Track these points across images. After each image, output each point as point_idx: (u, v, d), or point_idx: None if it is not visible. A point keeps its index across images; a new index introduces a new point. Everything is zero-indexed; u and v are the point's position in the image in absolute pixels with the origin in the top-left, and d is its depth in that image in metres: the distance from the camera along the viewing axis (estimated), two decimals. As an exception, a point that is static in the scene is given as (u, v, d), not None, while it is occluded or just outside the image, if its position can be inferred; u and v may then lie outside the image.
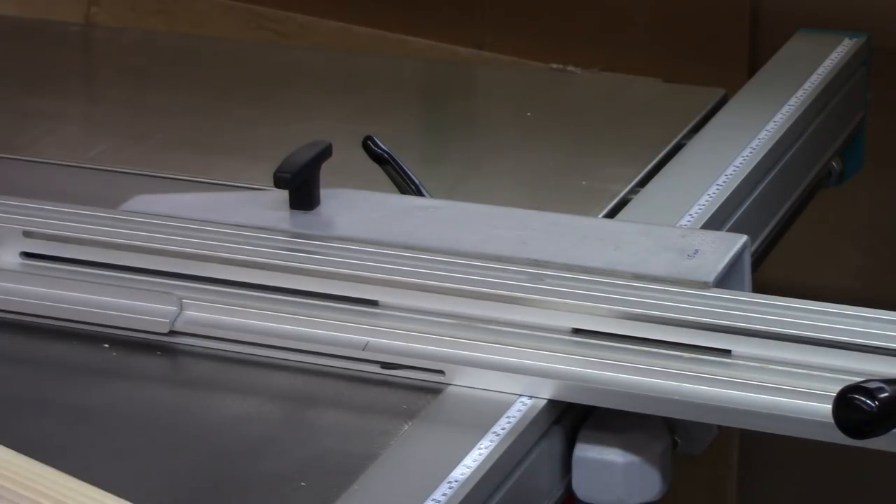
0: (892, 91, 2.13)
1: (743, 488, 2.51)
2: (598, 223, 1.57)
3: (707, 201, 1.61)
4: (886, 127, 2.14)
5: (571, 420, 1.30)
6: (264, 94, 2.00)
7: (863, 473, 2.32)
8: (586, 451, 1.29)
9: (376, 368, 1.34)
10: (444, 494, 1.16)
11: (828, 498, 2.48)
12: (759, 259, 1.60)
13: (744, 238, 1.47)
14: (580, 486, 1.30)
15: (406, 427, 1.26)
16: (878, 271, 2.34)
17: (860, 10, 2.16)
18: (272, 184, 1.51)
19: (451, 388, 1.31)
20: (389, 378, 1.33)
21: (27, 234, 1.46)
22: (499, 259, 1.41)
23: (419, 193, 1.57)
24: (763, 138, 1.74)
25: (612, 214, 1.62)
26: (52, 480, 1.17)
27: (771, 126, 1.77)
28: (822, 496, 2.48)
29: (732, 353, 1.30)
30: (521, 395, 1.29)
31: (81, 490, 1.16)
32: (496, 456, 1.21)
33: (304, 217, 1.50)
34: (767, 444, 2.29)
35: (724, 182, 1.64)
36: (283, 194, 1.51)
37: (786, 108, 1.82)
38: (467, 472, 1.19)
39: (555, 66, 2.20)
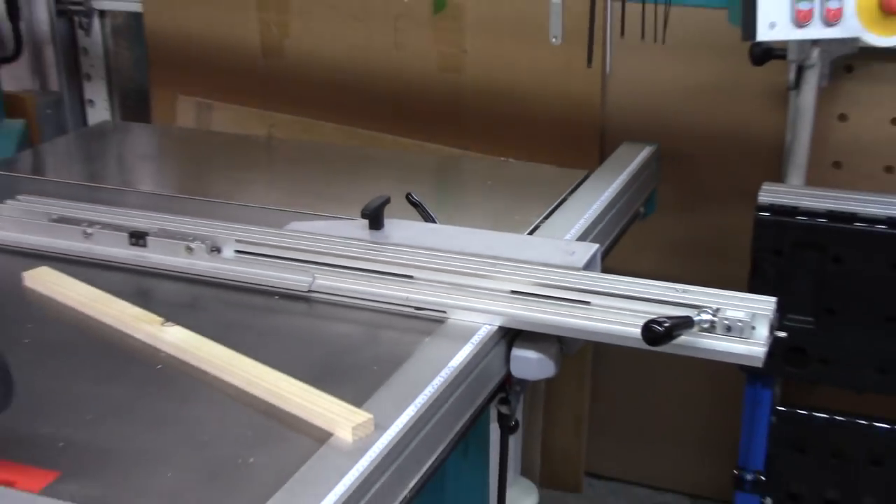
0: (669, 173, 2.12)
1: (595, 372, 2.51)
2: (524, 238, 1.56)
3: (579, 227, 1.60)
4: (666, 192, 2.13)
5: (511, 336, 1.30)
6: (355, 172, 1.98)
7: (662, 362, 2.31)
8: (518, 352, 1.29)
9: (412, 310, 1.33)
10: (447, 372, 1.16)
11: (641, 376, 2.47)
12: (604, 255, 1.59)
13: (597, 246, 1.46)
14: (515, 369, 1.29)
15: (426, 339, 1.25)
16: (665, 262, 2.34)
17: (654, 133, 2.15)
18: (360, 216, 1.50)
19: (449, 321, 1.30)
20: (419, 314, 1.32)
21: (238, 241, 1.46)
22: (474, 255, 1.40)
23: (434, 222, 1.56)
24: (607, 196, 1.73)
25: (531, 233, 1.61)
26: (246, 363, 1.17)
27: (610, 190, 1.76)
28: (638, 375, 2.47)
29: (591, 303, 1.29)
30: (484, 324, 1.28)
31: (260, 367, 1.15)
32: (472, 354, 1.22)
33: (375, 233, 1.49)
34: (609, 349, 2.27)
35: (587, 217, 1.64)
36: (365, 222, 1.50)
37: (618, 181, 1.81)
38: (457, 362, 1.19)
39: (502, 158, 2.19)
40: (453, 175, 2.12)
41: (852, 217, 1.83)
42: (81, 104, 2.79)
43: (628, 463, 2.56)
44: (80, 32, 2.74)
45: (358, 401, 1.08)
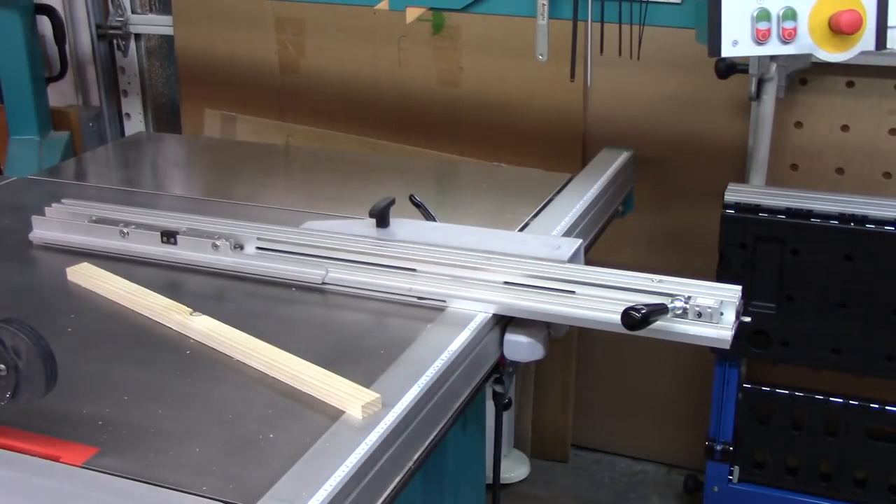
0: (644, 175, 2.11)
1: (579, 355, 2.50)
2: (515, 234, 1.54)
3: (564, 224, 1.58)
4: (642, 192, 2.11)
5: (504, 323, 1.28)
6: (363, 176, 1.97)
7: (640, 345, 2.30)
8: (510, 336, 1.28)
9: (415, 300, 1.31)
10: (447, 355, 1.15)
11: (622, 358, 2.46)
12: (587, 249, 1.57)
13: (580, 241, 1.44)
14: (507, 352, 1.28)
15: (428, 326, 1.24)
16: (642, 255, 2.32)
17: (631, 140, 2.14)
18: (368, 216, 1.48)
19: (449, 309, 1.29)
20: (421, 304, 1.31)
21: (259, 238, 1.44)
22: (470, 250, 1.38)
23: (434, 220, 1.55)
24: (589, 196, 1.71)
25: (522, 230, 1.59)
26: (267, 348, 1.16)
27: (592, 190, 1.74)
28: (619, 357, 2.46)
29: (575, 292, 1.27)
30: (480, 312, 1.27)
31: (279, 352, 1.14)
32: (470, 339, 1.20)
33: (382, 231, 1.47)
34: (592, 334, 2.26)
35: (572, 215, 1.62)
36: (372, 221, 1.48)
37: (598, 182, 1.79)
38: (456, 346, 1.17)
39: (495, 163, 2.18)
40: (451, 178, 2.10)
41: (808, 214, 1.83)
42: (119, 117, 2.79)
43: (611, 436, 2.55)
44: (118, 54, 2.74)
45: (367, 381, 1.07)
